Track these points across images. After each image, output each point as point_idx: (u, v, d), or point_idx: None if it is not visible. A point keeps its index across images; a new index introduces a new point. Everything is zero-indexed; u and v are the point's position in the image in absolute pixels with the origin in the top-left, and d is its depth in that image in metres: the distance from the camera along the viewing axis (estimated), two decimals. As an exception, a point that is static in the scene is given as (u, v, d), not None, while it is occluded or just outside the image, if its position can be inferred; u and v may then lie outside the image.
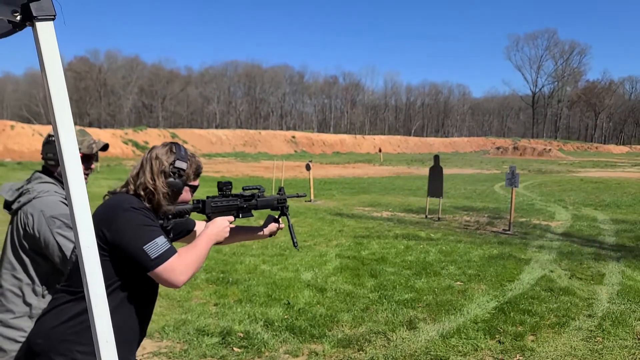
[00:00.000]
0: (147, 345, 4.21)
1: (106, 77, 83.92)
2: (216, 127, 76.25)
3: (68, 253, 2.12)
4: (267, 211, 2.39)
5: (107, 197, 1.86)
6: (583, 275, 6.52)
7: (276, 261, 7.09)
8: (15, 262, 2.24)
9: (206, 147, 50.53)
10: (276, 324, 4.69)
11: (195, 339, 4.33)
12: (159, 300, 5.25)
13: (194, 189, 1.98)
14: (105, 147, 2.43)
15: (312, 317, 4.88)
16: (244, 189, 2.18)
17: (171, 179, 1.83)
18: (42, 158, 2.38)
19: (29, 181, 2.33)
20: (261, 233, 2.34)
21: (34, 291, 2.23)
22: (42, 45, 0.90)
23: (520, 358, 4.06)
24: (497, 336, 4.49)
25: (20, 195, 2.26)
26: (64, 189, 2.28)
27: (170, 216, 1.88)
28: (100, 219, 1.74)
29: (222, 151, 50.33)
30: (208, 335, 4.40)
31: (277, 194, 2.36)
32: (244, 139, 56.80)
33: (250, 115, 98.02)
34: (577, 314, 5.08)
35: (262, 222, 2.41)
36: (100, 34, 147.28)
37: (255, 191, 2.21)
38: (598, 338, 4.47)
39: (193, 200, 2.01)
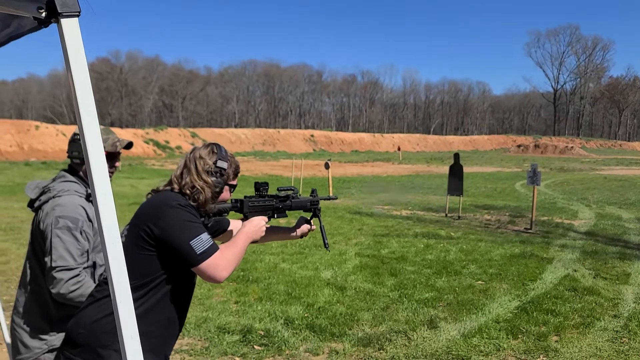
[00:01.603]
0: (168, 343, 4.24)
1: (127, 78, 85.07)
2: (235, 127, 76.69)
3: (55, 257, 2.09)
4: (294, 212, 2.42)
5: (149, 196, 1.91)
6: (608, 275, 6.40)
7: (296, 259, 7.10)
8: (34, 260, 2.27)
9: (226, 146, 49.69)
10: (296, 322, 4.69)
11: (216, 336, 4.35)
12: (180, 298, 5.30)
13: (233, 187, 2.03)
14: (129, 145, 2.44)
15: (332, 315, 4.87)
16: (279, 190, 2.22)
17: (214, 178, 1.89)
18: (68, 156, 2.40)
19: (54, 180, 2.35)
20: (293, 234, 2.38)
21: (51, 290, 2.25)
22: (67, 42, 0.91)
23: (544, 359, 4.00)
24: (519, 336, 4.43)
25: (42, 194, 2.28)
26: (86, 188, 2.30)
27: (211, 214, 1.94)
28: (147, 215, 1.80)
29: (241, 150, 50.58)
30: (229, 333, 4.43)
31: (310, 195, 2.38)
32: (263, 138, 57.01)
33: (269, 114, 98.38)
34: (602, 314, 4.98)
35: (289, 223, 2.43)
36: (122, 36, 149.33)
37: (290, 192, 2.26)
38: (624, 339, 4.38)
39: (231, 200, 2.06)
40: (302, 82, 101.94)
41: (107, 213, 1.03)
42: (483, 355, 4.04)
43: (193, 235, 1.72)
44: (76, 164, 2.38)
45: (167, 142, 44.32)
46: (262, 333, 4.44)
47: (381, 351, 4.12)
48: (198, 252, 1.70)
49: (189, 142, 44.40)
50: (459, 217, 11.33)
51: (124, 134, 40.68)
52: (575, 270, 6.63)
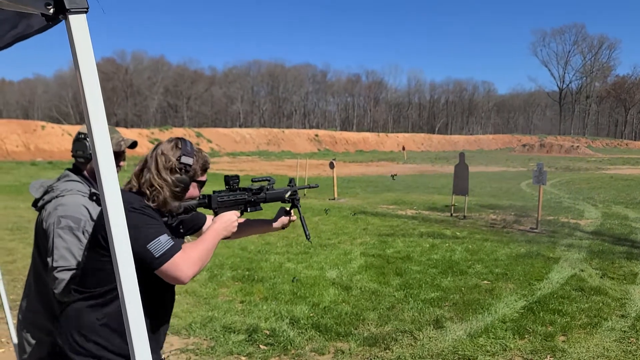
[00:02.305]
0: (174, 342, 4.25)
1: (132, 78, 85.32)
2: (240, 126, 76.78)
3: (57, 257, 2.07)
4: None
5: None
6: (615, 275, 6.36)
7: (301, 259, 7.10)
8: (38, 260, 2.27)
9: (230, 146, 50.93)
10: (302, 321, 4.68)
11: (221, 336, 4.35)
12: (186, 297, 5.30)
13: (201, 184, 1.94)
14: (133, 145, 2.44)
15: (337, 315, 4.86)
16: (253, 182, 2.14)
17: (178, 175, 1.79)
18: (72, 156, 2.40)
19: (58, 179, 2.35)
20: (274, 225, 2.29)
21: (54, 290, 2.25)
22: (75, 38, 0.90)
23: (551, 359, 3.98)
24: (526, 336, 4.41)
25: (45, 193, 2.28)
26: (90, 187, 2.30)
27: (174, 213, 1.84)
28: (100, 222, 1.72)
29: (246, 150, 50.66)
30: (234, 333, 4.43)
31: (288, 185, 2.30)
32: (267, 137, 57.08)
33: (273, 114, 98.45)
34: (609, 314, 4.95)
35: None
36: (127, 36, 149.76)
37: (265, 183, 2.16)
38: (632, 339, 4.35)
39: (199, 195, 1.97)
40: (306, 82, 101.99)
41: (114, 210, 1.03)
42: (489, 355, 4.02)
43: (150, 238, 1.62)
44: (80, 163, 2.37)
45: (172, 142, 44.41)
46: (268, 332, 4.44)
47: (387, 351, 4.11)
48: (157, 255, 1.61)
49: (194, 142, 44.45)
50: (464, 216, 11.29)
51: (130, 134, 40.80)
52: (582, 270, 6.59)
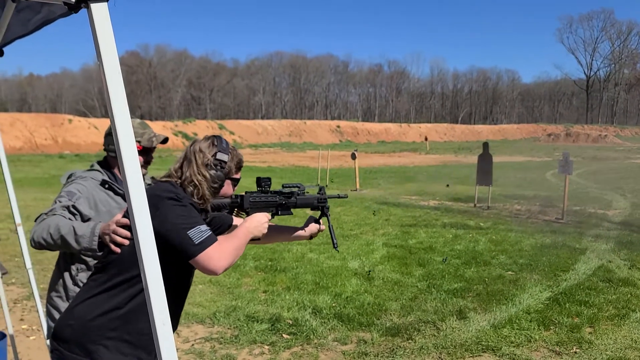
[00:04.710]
0: (198, 331, 4.31)
1: (156, 71, 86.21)
2: (262, 118, 77.06)
3: (46, 211, 2.11)
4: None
5: (149, 185, 1.88)
6: (644, 266, 6.22)
7: (323, 250, 7.12)
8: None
9: (252, 137, 51.17)
10: (324, 311, 4.70)
11: (245, 325, 4.40)
12: (210, 287, 5.37)
13: (235, 182, 1.96)
14: (165, 141, 2.44)
15: (359, 305, 4.87)
16: (283, 187, 2.13)
17: (213, 172, 1.83)
18: (104, 149, 2.43)
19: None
20: (302, 233, 2.28)
21: (70, 273, 2.30)
22: (97, 27, 0.92)
23: (577, 350, 3.92)
24: (551, 327, 4.35)
25: (67, 180, 2.35)
26: (110, 179, 2.34)
27: (208, 210, 1.88)
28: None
29: (268, 141, 50.83)
30: (258, 322, 4.47)
31: (318, 193, 2.28)
32: (289, 129, 57.15)
33: (295, 105, 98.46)
34: (637, 305, 4.85)
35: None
36: (150, 30, 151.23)
37: (295, 189, 2.16)
38: (661, 331, 4.25)
39: (232, 195, 1.99)
40: (328, 73, 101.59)
41: (138, 200, 1.04)
42: (514, 346, 3.98)
43: (190, 225, 1.65)
44: (112, 158, 2.40)
45: (195, 134, 44.82)
46: (291, 322, 4.47)
47: (410, 341, 4.10)
48: (196, 242, 1.63)
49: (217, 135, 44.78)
50: (488, 207, 11.17)
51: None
52: (610, 261, 6.46)
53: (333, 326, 4.39)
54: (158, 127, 41.96)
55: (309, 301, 4.98)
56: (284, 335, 4.22)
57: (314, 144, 50.86)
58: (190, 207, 1.72)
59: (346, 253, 6.92)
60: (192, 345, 4.03)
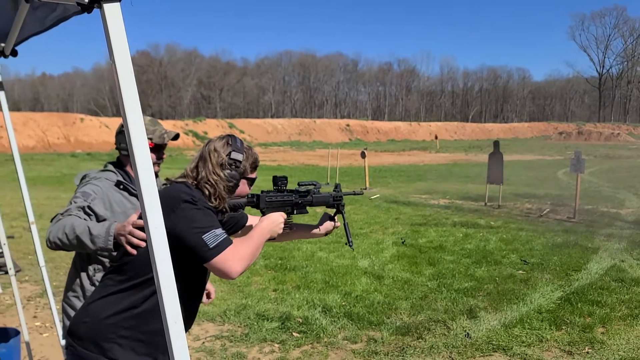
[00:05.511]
0: (209, 329, 4.33)
1: (166, 70, 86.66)
2: (272, 117, 77.15)
3: (62, 212, 2.11)
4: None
5: (164, 185, 1.87)
6: (657, 266, 6.15)
7: (333, 248, 7.12)
8: None
9: (262, 136, 51.27)
10: (334, 310, 4.70)
11: (255, 323, 4.42)
12: (220, 285, 5.39)
13: (251, 181, 1.96)
14: (176, 137, 2.45)
15: (369, 304, 4.86)
16: (299, 185, 2.13)
17: (228, 171, 1.82)
18: (116, 148, 2.43)
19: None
20: (317, 231, 2.28)
21: (87, 273, 2.32)
22: (109, 27, 0.93)
23: (590, 350, 3.89)
24: (563, 327, 4.31)
25: (81, 181, 2.36)
26: (122, 177, 2.35)
27: (224, 210, 1.87)
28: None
29: (278, 140, 50.90)
30: (268, 320, 4.48)
31: (334, 190, 2.27)
32: (299, 127, 57.17)
33: (304, 104, 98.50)
34: (651, 305, 4.80)
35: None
36: (161, 29, 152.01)
37: (311, 187, 2.15)
38: (675, 331, 4.21)
39: (248, 195, 1.98)
40: (337, 72, 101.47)
41: (150, 198, 1.05)
42: (525, 346, 3.96)
43: (206, 229, 1.64)
44: (124, 156, 2.41)
45: (206, 132, 45.01)
46: (301, 320, 4.48)
47: (420, 340, 4.09)
48: (211, 246, 1.62)
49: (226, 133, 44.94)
50: (498, 206, 11.10)
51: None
52: (623, 261, 6.40)
53: (343, 325, 4.39)
54: (169, 126, 42.15)
55: (319, 300, 4.98)
56: (294, 333, 4.23)
57: (323, 142, 50.87)
58: (206, 210, 1.71)
59: (356, 252, 6.91)
60: (203, 343, 4.05)
